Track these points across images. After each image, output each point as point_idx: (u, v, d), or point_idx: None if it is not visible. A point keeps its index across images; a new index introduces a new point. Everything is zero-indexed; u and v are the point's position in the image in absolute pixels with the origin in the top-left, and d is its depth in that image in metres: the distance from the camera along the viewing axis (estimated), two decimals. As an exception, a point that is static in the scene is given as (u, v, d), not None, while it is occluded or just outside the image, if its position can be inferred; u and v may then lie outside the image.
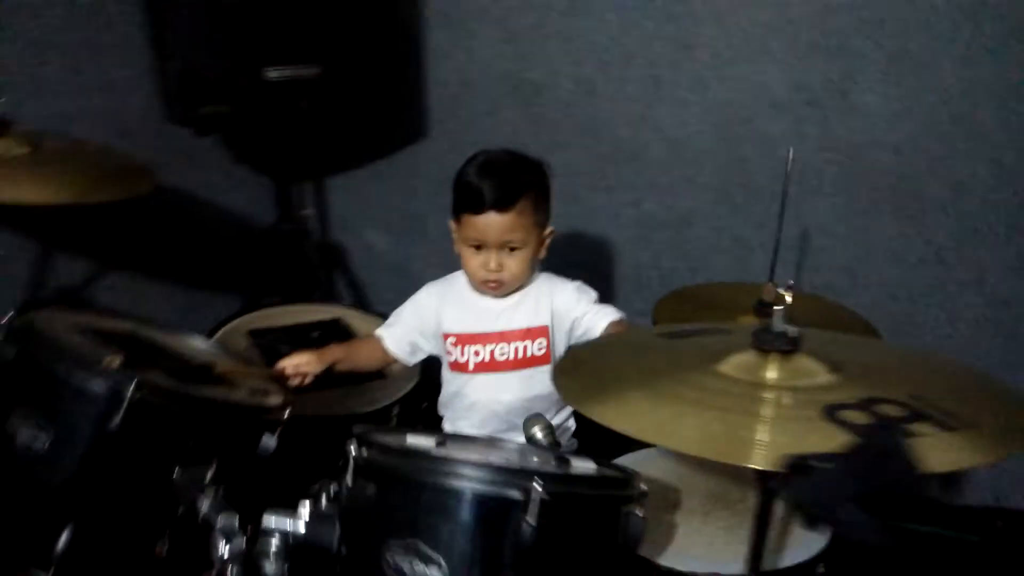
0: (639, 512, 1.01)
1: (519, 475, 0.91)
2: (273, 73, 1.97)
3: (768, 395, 0.85)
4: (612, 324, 1.44)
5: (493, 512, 0.90)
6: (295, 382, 1.43)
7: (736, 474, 1.51)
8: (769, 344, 0.91)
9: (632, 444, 1.60)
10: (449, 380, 1.52)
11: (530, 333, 1.44)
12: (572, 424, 1.57)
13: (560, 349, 1.45)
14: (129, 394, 1.04)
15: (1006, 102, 2.00)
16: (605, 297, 1.62)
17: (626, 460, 1.52)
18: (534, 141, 2.45)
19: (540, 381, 1.42)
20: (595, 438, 1.47)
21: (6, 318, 1.14)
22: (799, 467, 0.67)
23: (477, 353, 1.45)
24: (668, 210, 2.39)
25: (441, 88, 2.56)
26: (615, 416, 0.83)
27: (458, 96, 2.54)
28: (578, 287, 1.51)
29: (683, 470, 1.49)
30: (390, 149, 2.71)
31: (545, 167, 1.52)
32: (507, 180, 1.38)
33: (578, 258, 2.49)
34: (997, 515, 2.26)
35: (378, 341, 1.57)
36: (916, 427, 0.74)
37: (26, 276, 1.97)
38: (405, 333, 1.56)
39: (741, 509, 1.40)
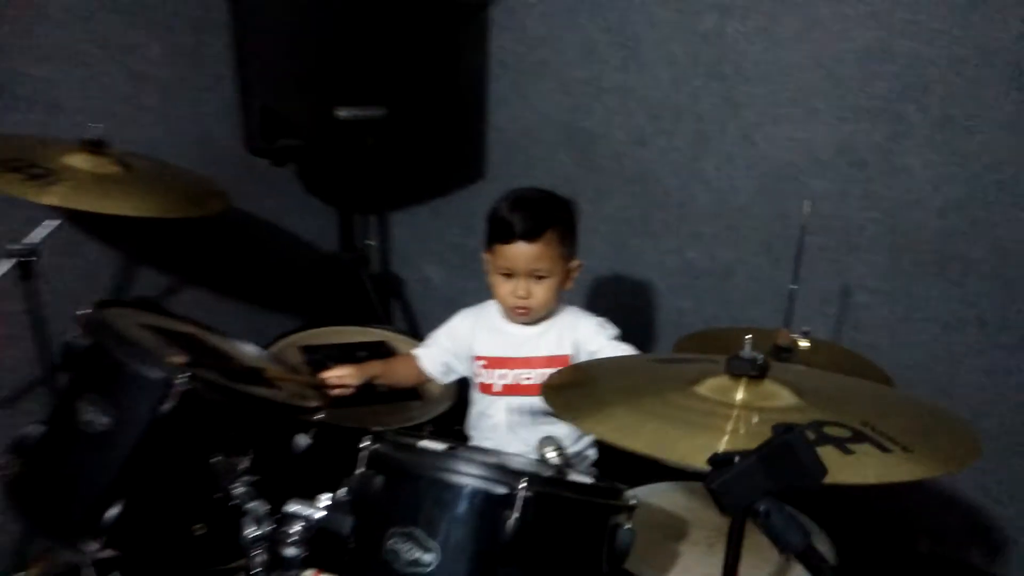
0: (627, 524, 1.08)
1: (508, 474, 1.00)
2: (343, 112, 2.15)
3: (735, 413, 0.93)
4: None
5: (483, 506, 1.00)
6: (337, 392, 1.55)
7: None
8: (739, 370, 0.98)
9: (650, 478, 1.68)
10: (476, 401, 1.62)
11: (552, 361, 1.53)
12: (593, 454, 1.64)
13: (580, 376, 1.54)
14: (181, 384, 1.18)
15: (1052, 170, 2.03)
16: (647, 340, 1.70)
17: (641, 491, 1.59)
18: (585, 187, 2.58)
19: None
20: (616, 469, 1.54)
21: (83, 313, 1.30)
22: (721, 461, 0.74)
23: (503, 376, 1.55)
24: (711, 259, 2.45)
25: (500, 133, 2.71)
26: (596, 425, 0.92)
27: (516, 141, 2.68)
28: (600, 323, 1.60)
29: (694, 504, 1.55)
30: (450, 188, 2.86)
31: (573, 205, 1.62)
32: (535, 214, 1.49)
33: (622, 300, 2.58)
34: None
35: (415, 360, 1.69)
36: (855, 447, 0.82)
37: (109, 283, 2.17)
38: (440, 354, 1.67)
39: (746, 544, 1.45)
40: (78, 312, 1.30)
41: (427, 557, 0.98)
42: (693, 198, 2.44)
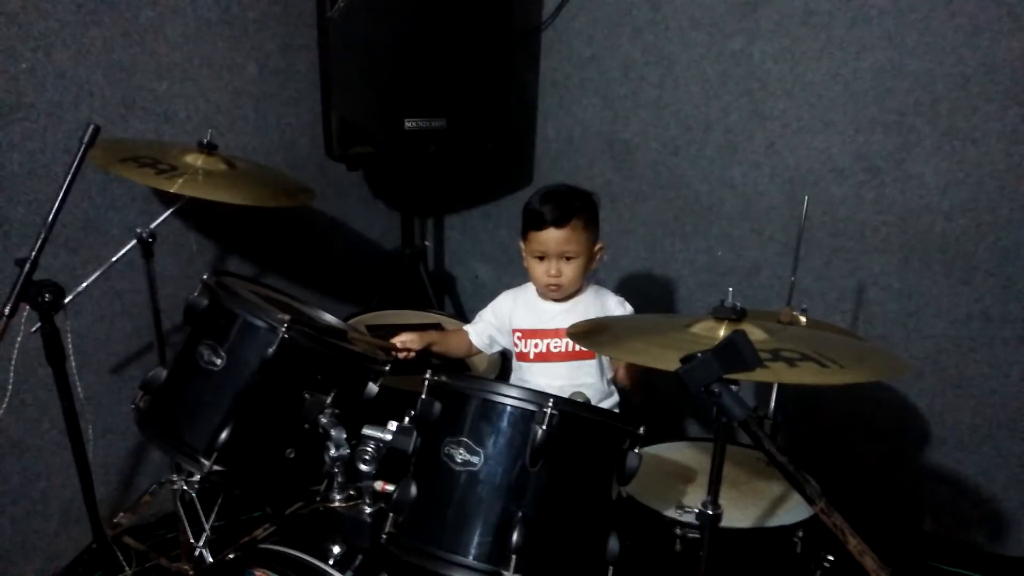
0: (636, 450, 1.33)
1: (539, 395, 1.27)
2: (409, 123, 2.45)
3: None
4: None
5: (517, 420, 1.26)
6: (402, 355, 1.82)
7: (747, 464, 1.78)
8: (723, 314, 1.23)
9: (665, 438, 1.91)
10: (515, 368, 1.89)
11: (579, 333, 1.79)
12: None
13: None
14: (283, 332, 1.48)
15: (1050, 177, 2.20)
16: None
17: (657, 447, 1.83)
18: (623, 193, 2.84)
19: (586, 372, 1.77)
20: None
21: (205, 278, 1.62)
22: (688, 357, 0.99)
23: (536, 345, 1.81)
24: (738, 258, 2.66)
25: (547, 144, 2.96)
26: (611, 348, 1.19)
27: (561, 151, 2.94)
28: (620, 300, 1.85)
29: (703, 457, 1.78)
30: (500, 194, 3.13)
31: (595, 196, 1.86)
32: (562, 204, 1.75)
33: (656, 295, 2.80)
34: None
35: (465, 334, 1.96)
36: (800, 363, 1.07)
37: (206, 268, 2.51)
38: (485, 328, 1.95)
39: (745, 490, 1.68)
40: (203, 277, 1.62)
41: (475, 459, 1.25)
42: (722, 202, 2.66)
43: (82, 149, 1.61)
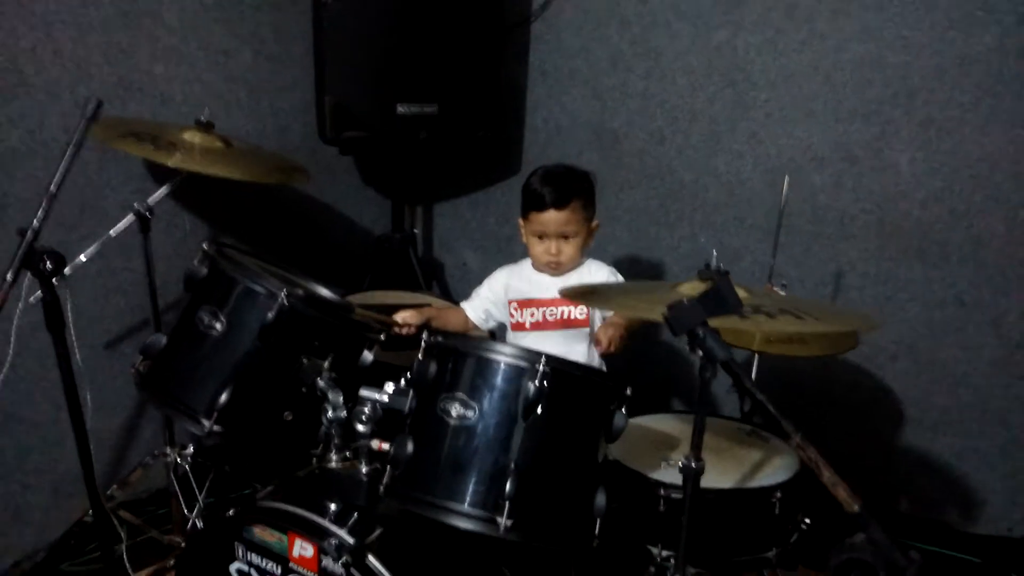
0: (623, 412, 1.39)
1: (532, 353, 1.33)
2: (402, 108, 2.50)
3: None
4: (606, 321, 1.82)
5: (511, 375, 1.32)
6: (402, 331, 1.86)
7: (728, 434, 1.85)
8: (707, 275, 1.30)
9: (651, 410, 1.98)
10: (510, 338, 1.94)
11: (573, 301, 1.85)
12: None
13: (596, 315, 1.85)
14: (282, 298, 1.53)
15: (1020, 166, 2.28)
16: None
17: (644, 418, 1.89)
18: (610, 181, 2.89)
19: (579, 340, 1.83)
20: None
21: (205, 246, 1.66)
22: (675, 303, 1.06)
23: (533, 314, 1.87)
24: (720, 245, 2.71)
25: (535, 133, 3.02)
26: (605, 303, 1.26)
27: (550, 140, 2.99)
28: (612, 270, 1.91)
29: (686, 427, 1.83)
30: (489, 182, 3.17)
31: (592, 176, 1.93)
32: (562, 186, 1.81)
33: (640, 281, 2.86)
34: (1008, 544, 2.44)
35: (461, 311, 2.01)
36: (779, 316, 1.13)
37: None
38: (481, 303, 2.00)
39: (727, 456, 1.75)
40: (203, 245, 1.66)
41: (470, 413, 1.31)
42: (706, 190, 2.73)
43: (84, 122, 1.64)
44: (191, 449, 2.13)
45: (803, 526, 1.66)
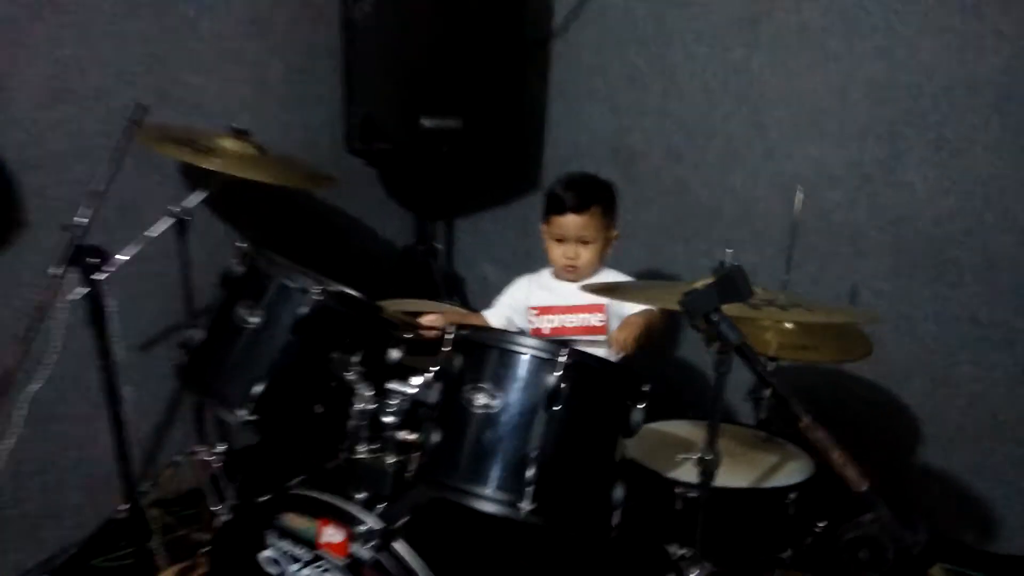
0: (640, 407, 1.44)
1: (554, 345, 1.38)
2: (426, 122, 2.58)
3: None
4: (624, 321, 1.87)
5: (534, 367, 1.38)
6: (427, 334, 1.92)
7: (744, 439, 1.89)
8: (721, 272, 1.35)
9: (668, 416, 2.02)
10: (530, 344, 1.99)
11: (590, 308, 1.90)
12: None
13: (614, 323, 1.90)
14: (315, 293, 1.59)
15: (1033, 186, 2.33)
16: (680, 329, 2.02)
17: (660, 424, 1.93)
18: (627, 198, 2.90)
19: (597, 347, 1.87)
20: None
21: (240, 246, 1.73)
22: (690, 290, 1.11)
23: (551, 321, 1.92)
24: (736, 261, 2.77)
25: (555, 150, 3.09)
26: (624, 296, 1.32)
27: (568, 157, 3.05)
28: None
29: (701, 432, 1.88)
30: (509, 197, 3.24)
31: (613, 186, 1.98)
32: (583, 192, 1.88)
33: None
34: None
35: (483, 318, 2.07)
36: (791, 308, 1.18)
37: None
38: (502, 311, 2.06)
39: (742, 459, 1.78)
40: (238, 244, 1.73)
41: (494, 402, 1.36)
42: (721, 208, 2.78)
43: (130, 124, 1.73)
44: (221, 448, 2.20)
45: (817, 529, 1.68)
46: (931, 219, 2.46)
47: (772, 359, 1.91)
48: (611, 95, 2.92)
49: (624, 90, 2.88)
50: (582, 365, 1.38)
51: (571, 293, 1.92)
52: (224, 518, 1.84)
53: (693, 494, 1.58)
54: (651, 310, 1.87)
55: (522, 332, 1.98)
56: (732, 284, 1.11)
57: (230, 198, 2.27)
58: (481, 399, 1.36)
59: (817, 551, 1.71)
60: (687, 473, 1.63)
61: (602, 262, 1.97)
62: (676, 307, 1.14)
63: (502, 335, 1.48)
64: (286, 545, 1.55)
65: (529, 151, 3.09)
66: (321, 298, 1.59)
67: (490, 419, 1.37)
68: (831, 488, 1.74)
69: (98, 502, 2.30)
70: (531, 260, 3.24)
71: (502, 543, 1.57)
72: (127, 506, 2.15)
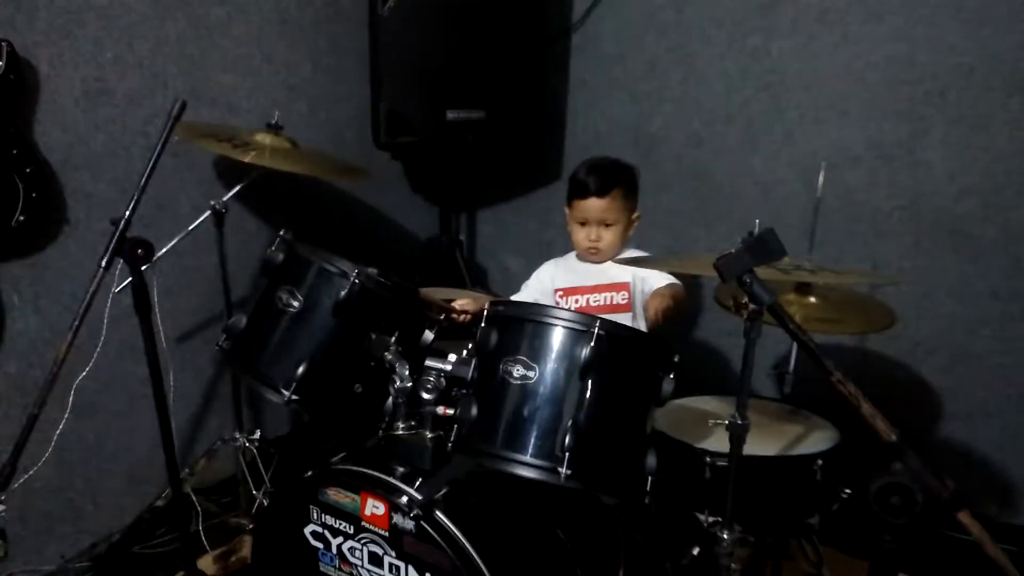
0: (671, 377, 1.49)
1: (587, 318, 1.44)
2: (451, 114, 2.65)
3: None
4: (654, 292, 1.91)
5: (569, 339, 1.43)
6: (461, 318, 1.98)
7: (770, 412, 1.93)
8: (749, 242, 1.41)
9: (695, 392, 2.07)
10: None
11: (615, 287, 1.95)
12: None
13: (638, 300, 1.95)
14: (355, 277, 1.66)
15: (1050, 160, 2.35)
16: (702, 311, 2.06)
17: (686, 399, 1.98)
18: (648, 184, 2.94)
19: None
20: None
21: (281, 233, 1.80)
22: (724, 254, 1.17)
23: (577, 301, 1.98)
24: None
25: (576, 139, 3.13)
26: (657, 265, 1.41)
27: (589, 145, 3.09)
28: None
29: (727, 407, 1.93)
30: (530, 188, 3.30)
31: (635, 170, 2.03)
32: (605, 175, 1.93)
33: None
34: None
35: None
36: (820, 272, 1.23)
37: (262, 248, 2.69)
38: (529, 294, 2.11)
39: (769, 431, 1.83)
40: (280, 233, 1.80)
41: (531, 374, 1.42)
42: (742, 191, 2.82)
43: (171, 121, 1.79)
44: (258, 435, 2.28)
45: (844, 496, 1.73)
46: (951, 196, 2.49)
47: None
48: (631, 83, 2.96)
49: (643, 78, 2.93)
50: (615, 336, 1.44)
51: (595, 273, 1.98)
52: (269, 495, 1.91)
53: (722, 462, 1.63)
54: (677, 284, 1.92)
55: (548, 307, 2.03)
56: (764, 245, 1.17)
57: (261, 193, 2.35)
58: (518, 371, 1.43)
59: (843, 519, 1.76)
60: (715, 443, 1.69)
61: (625, 244, 2.02)
62: (709, 272, 1.19)
63: (539, 309, 1.54)
64: (330, 519, 1.62)
65: (550, 142, 3.14)
66: (359, 280, 1.66)
67: (528, 390, 1.43)
68: (856, 457, 1.80)
69: (137, 491, 2.41)
70: (553, 250, 3.28)
71: (536, 514, 1.63)
72: (168, 492, 2.26)
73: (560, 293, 2.02)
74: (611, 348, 1.42)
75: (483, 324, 1.52)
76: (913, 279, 2.57)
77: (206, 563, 2.18)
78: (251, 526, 2.37)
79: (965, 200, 2.47)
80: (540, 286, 2.09)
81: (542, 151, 3.16)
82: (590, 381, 1.41)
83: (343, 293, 1.65)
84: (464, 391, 1.53)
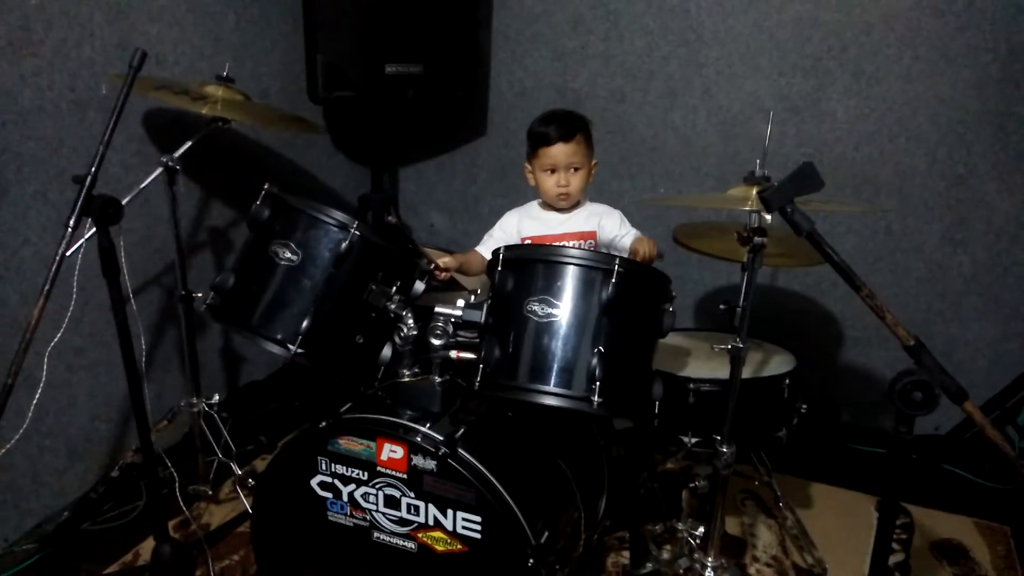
0: (672, 309, 1.62)
1: (608, 256, 1.53)
2: (390, 68, 2.62)
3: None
4: (636, 239, 2.03)
5: (591, 277, 1.52)
6: (442, 276, 1.99)
7: (728, 340, 2.10)
8: (752, 180, 1.55)
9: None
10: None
11: (582, 235, 2.04)
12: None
13: (602, 249, 2.06)
14: (355, 228, 1.65)
15: (938, 110, 2.65)
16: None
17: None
18: None
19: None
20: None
21: (267, 186, 1.75)
22: (766, 187, 1.29)
23: None
24: (679, 193, 3.00)
25: (500, 96, 3.19)
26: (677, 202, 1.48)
27: (514, 102, 3.17)
28: (621, 216, 2.10)
29: (693, 342, 2.09)
30: (454, 145, 3.32)
31: (587, 120, 2.11)
32: (566, 121, 2.00)
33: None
34: (937, 441, 2.83)
35: (479, 253, 2.16)
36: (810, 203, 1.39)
37: (194, 209, 2.59)
38: (495, 244, 2.15)
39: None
40: (265, 185, 1.75)
41: (555, 311, 1.50)
42: (664, 144, 2.99)
43: (132, 72, 1.70)
44: (216, 398, 2.22)
45: (802, 411, 1.94)
46: (852, 144, 2.76)
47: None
48: (555, 40, 3.04)
49: (568, 35, 3.01)
50: (632, 272, 1.54)
51: (562, 221, 2.06)
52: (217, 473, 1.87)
53: (706, 388, 1.79)
54: (641, 238, 2.03)
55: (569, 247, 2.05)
56: (806, 177, 1.30)
57: (216, 144, 2.26)
58: (544, 309, 1.50)
59: (802, 432, 1.97)
60: (696, 369, 1.84)
61: (585, 193, 2.11)
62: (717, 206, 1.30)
63: (558, 250, 1.60)
64: (340, 468, 1.63)
65: (472, 98, 3.17)
66: (360, 232, 1.66)
67: (555, 327, 1.51)
68: (809, 378, 2.02)
69: (79, 468, 2.32)
70: (478, 205, 3.37)
71: (545, 448, 1.73)
72: (123, 463, 2.17)
73: (529, 241, 2.09)
74: (628, 284, 1.52)
75: (499, 269, 1.57)
76: (819, 219, 2.83)
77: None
78: (210, 492, 2.32)
79: (864, 147, 2.75)
80: (506, 236, 2.14)
81: (466, 108, 3.18)
82: (611, 314, 1.50)
83: (344, 245, 1.64)
84: (480, 335, 1.58)
